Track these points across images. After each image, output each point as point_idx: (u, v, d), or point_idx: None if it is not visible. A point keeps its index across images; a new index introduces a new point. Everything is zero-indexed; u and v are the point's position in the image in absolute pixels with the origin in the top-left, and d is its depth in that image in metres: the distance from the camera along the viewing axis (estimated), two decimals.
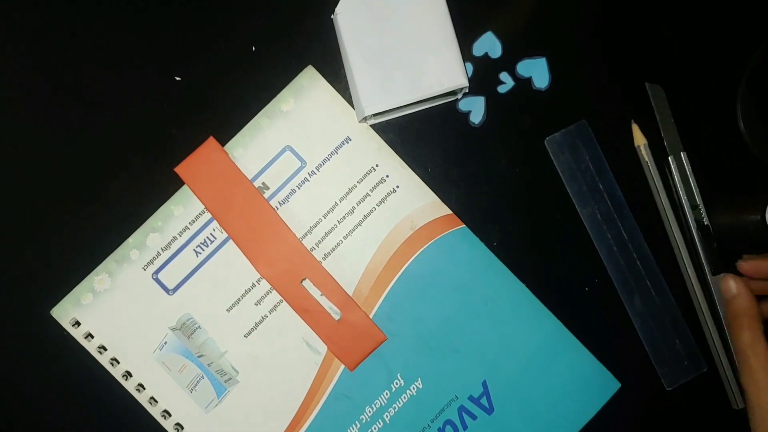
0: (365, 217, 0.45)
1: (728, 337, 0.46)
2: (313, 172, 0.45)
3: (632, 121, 0.47)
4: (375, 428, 0.45)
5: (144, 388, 0.44)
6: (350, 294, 0.45)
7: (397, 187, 0.45)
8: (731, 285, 0.45)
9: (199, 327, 0.44)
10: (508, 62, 0.47)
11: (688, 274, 0.47)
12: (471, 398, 0.45)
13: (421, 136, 0.46)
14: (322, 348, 0.45)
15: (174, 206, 0.44)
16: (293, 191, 0.45)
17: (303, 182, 0.45)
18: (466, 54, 0.46)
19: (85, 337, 0.44)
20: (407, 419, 0.45)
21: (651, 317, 0.47)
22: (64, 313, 0.43)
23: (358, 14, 0.42)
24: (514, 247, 0.47)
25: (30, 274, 0.44)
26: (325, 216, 0.45)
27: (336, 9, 0.42)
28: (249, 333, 0.44)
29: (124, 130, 0.45)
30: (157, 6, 0.45)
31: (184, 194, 0.44)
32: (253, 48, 0.45)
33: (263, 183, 0.44)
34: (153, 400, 0.44)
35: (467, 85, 0.42)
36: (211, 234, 0.44)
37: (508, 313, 0.46)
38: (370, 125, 0.45)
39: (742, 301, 0.44)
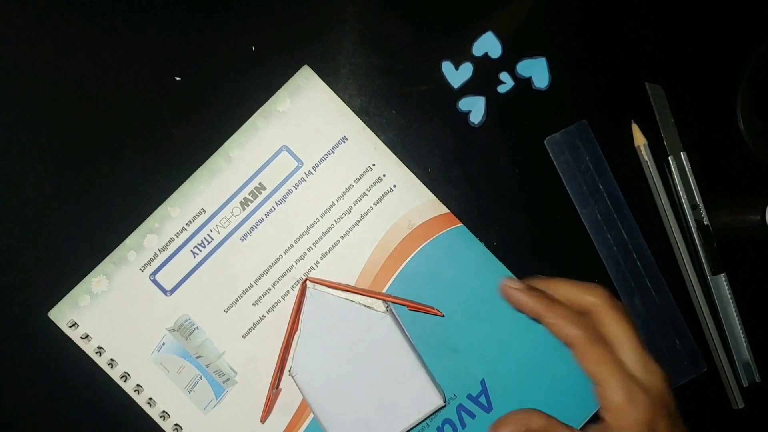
0: (362, 216, 0.45)
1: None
2: (309, 172, 0.45)
3: (632, 121, 0.47)
4: None
5: (142, 390, 0.44)
6: None
7: (394, 186, 0.45)
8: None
9: (197, 328, 0.44)
10: (508, 62, 0.47)
11: (688, 274, 0.47)
12: (470, 397, 0.45)
13: (420, 136, 0.46)
14: None
15: (171, 207, 0.44)
16: (290, 191, 0.45)
17: (300, 182, 0.45)
18: (467, 54, 0.46)
19: (83, 339, 0.44)
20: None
21: (651, 317, 0.47)
22: (61, 315, 0.43)
23: (315, 367, 0.41)
24: (514, 247, 0.46)
25: (27, 276, 0.44)
26: (322, 216, 0.45)
27: (291, 368, 0.42)
28: (247, 333, 0.44)
29: (122, 130, 0.44)
30: (157, 6, 0.45)
31: (181, 195, 0.44)
32: (253, 48, 0.45)
33: (260, 183, 0.44)
34: (151, 401, 0.44)
35: (444, 404, 0.42)
36: (208, 235, 0.44)
37: (506, 312, 0.46)
38: (367, 124, 0.45)
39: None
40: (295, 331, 0.42)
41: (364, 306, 0.42)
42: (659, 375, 0.36)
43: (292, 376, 0.42)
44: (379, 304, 0.42)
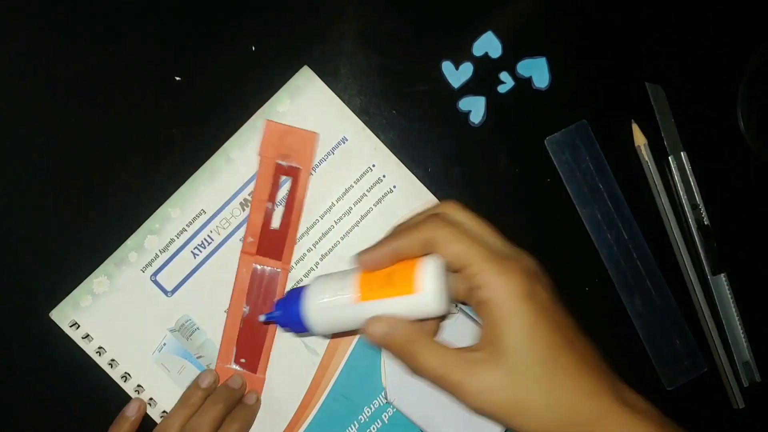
0: (362, 217, 0.45)
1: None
2: (309, 173, 0.45)
3: (632, 121, 0.47)
4: (374, 428, 0.45)
5: (143, 389, 0.44)
6: None
7: (394, 187, 0.45)
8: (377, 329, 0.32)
9: (198, 328, 0.44)
10: (508, 62, 0.47)
11: (688, 274, 0.47)
12: None
13: (421, 136, 0.46)
14: (321, 348, 0.45)
15: (171, 208, 0.44)
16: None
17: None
18: (467, 54, 0.46)
19: (84, 339, 0.44)
20: (406, 419, 0.45)
21: (651, 317, 0.47)
22: (63, 315, 0.43)
23: (409, 387, 0.41)
24: None
25: (29, 277, 0.44)
26: (322, 217, 0.45)
27: (388, 395, 0.42)
28: None
29: (122, 130, 0.45)
30: (157, 6, 0.45)
31: (181, 196, 0.44)
32: (253, 48, 0.45)
33: None
34: (152, 401, 0.44)
35: None
36: (208, 236, 0.44)
37: None
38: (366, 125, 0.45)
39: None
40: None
41: None
42: (530, 256, 0.31)
43: (391, 403, 0.41)
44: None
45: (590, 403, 0.30)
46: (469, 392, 0.30)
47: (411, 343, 0.31)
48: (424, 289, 0.29)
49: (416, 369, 0.31)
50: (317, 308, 0.33)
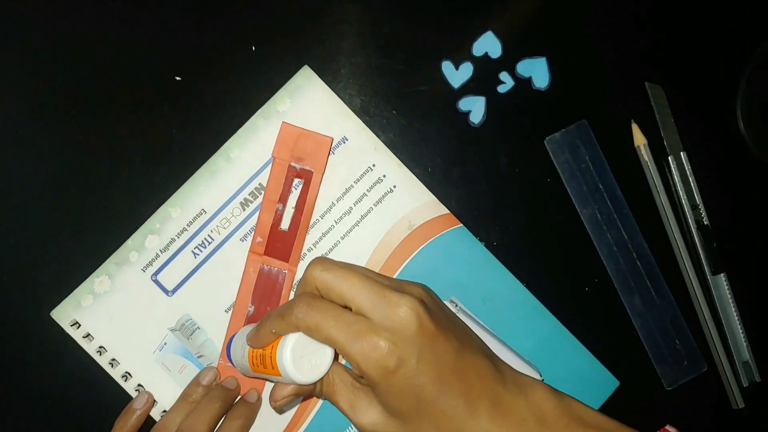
0: (362, 217, 0.45)
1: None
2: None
3: (632, 121, 0.47)
4: None
5: (143, 389, 0.44)
6: None
7: (395, 186, 0.45)
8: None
9: (199, 328, 0.44)
10: (508, 62, 0.47)
11: (688, 274, 0.47)
12: None
13: (421, 136, 0.46)
14: None
15: (171, 208, 0.44)
16: (290, 192, 0.45)
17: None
18: (467, 54, 0.46)
19: (85, 338, 0.44)
20: None
21: (651, 317, 0.47)
22: (64, 314, 0.44)
23: None
24: (514, 247, 0.46)
25: (30, 276, 0.44)
26: (322, 216, 0.45)
27: None
28: None
29: (123, 130, 0.45)
30: (157, 6, 0.45)
31: (181, 196, 0.44)
32: (253, 48, 0.45)
33: (260, 184, 0.44)
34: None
35: (541, 377, 0.41)
36: (208, 235, 0.44)
37: (506, 312, 0.46)
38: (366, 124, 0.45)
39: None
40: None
41: None
42: (405, 305, 0.32)
43: None
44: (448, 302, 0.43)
45: (465, 430, 0.33)
46: (356, 424, 0.35)
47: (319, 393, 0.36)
48: (285, 373, 0.34)
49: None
50: (234, 361, 0.41)
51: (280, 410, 0.38)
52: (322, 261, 0.35)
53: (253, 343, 0.36)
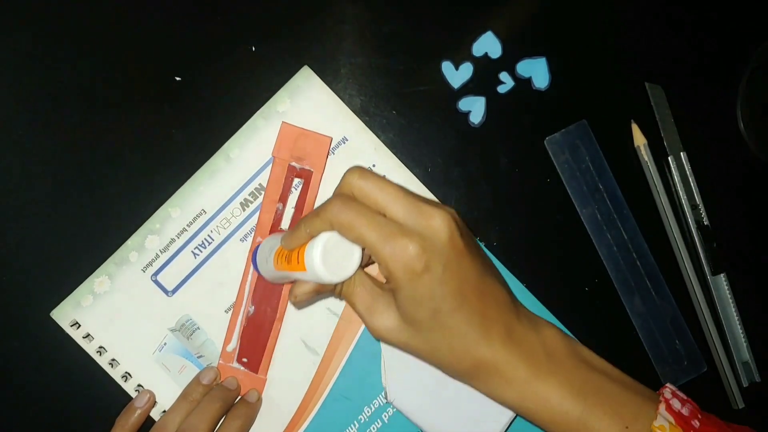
0: None
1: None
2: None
3: (632, 121, 0.47)
4: (374, 428, 0.45)
5: (143, 389, 0.44)
6: None
7: None
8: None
9: (199, 328, 0.44)
10: (508, 62, 0.47)
11: (688, 274, 0.47)
12: None
13: (421, 136, 0.46)
14: (321, 348, 0.45)
15: (171, 208, 0.44)
16: (290, 192, 0.45)
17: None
18: (467, 54, 0.46)
19: (84, 338, 0.44)
20: (406, 419, 0.45)
21: (651, 317, 0.47)
22: (63, 314, 0.44)
23: (409, 387, 0.42)
24: (514, 247, 0.46)
25: (30, 277, 0.44)
26: None
27: (388, 395, 0.42)
28: None
29: (123, 130, 0.45)
30: (157, 6, 0.45)
31: (181, 196, 0.44)
32: (253, 48, 0.45)
33: (260, 184, 0.44)
34: None
35: None
36: (208, 236, 0.44)
37: None
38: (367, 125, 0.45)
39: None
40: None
41: None
42: (438, 216, 0.33)
43: (391, 403, 0.42)
44: None
45: (478, 350, 0.34)
46: (370, 328, 0.35)
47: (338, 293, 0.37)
48: (312, 268, 0.34)
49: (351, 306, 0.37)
50: (259, 266, 0.40)
51: (299, 306, 0.39)
52: (360, 168, 0.35)
53: (286, 243, 0.36)
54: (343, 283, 0.36)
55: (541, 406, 0.34)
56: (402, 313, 0.34)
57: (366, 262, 0.36)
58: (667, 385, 0.37)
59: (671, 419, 0.34)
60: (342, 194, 0.35)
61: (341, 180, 0.35)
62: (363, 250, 0.34)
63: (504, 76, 0.47)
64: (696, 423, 0.35)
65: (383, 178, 0.35)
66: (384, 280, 0.36)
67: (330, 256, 0.33)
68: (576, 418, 0.34)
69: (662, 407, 0.35)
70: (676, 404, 0.35)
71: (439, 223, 0.33)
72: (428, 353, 0.35)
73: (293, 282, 0.37)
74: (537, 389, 0.34)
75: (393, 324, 0.35)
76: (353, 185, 0.34)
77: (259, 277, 0.43)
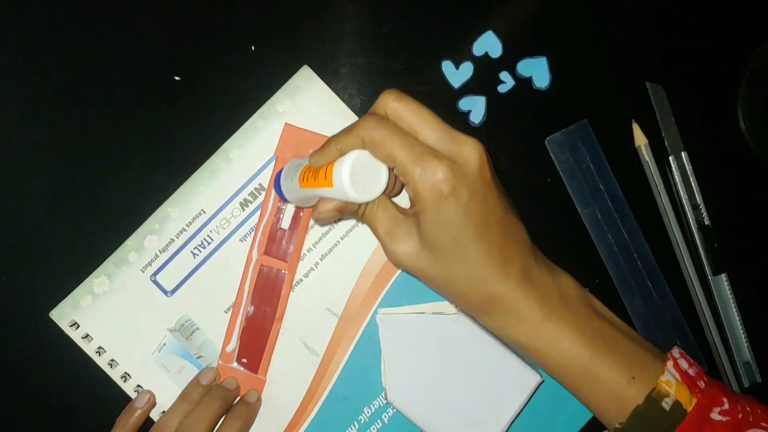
0: None
1: None
2: None
3: (633, 121, 0.47)
4: (374, 429, 0.45)
5: (142, 390, 0.44)
6: (348, 293, 0.45)
7: None
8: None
9: (198, 328, 0.44)
10: (508, 62, 0.47)
11: (689, 274, 0.47)
12: None
13: None
14: (320, 349, 0.45)
15: (171, 208, 0.44)
16: None
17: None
18: (467, 54, 0.46)
19: (84, 339, 0.44)
20: (406, 419, 0.45)
21: (652, 317, 0.47)
22: (63, 315, 0.43)
23: (409, 387, 0.42)
24: None
25: (29, 277, 0.44)
26: None
27: (388, 396, 0.42)
28: None
29: (123, 130, 0.45)
30: (157, 6, 0.45)
31: (181, 196, 0.44)
32: (253, 48, 0.45)
33: (259, 185, 0.44)
34: None
35: (542, 379, 0.41)
36: (208, 236, 0.44)
37: None
38: None
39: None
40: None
41: (435, 313, 0.42)
42: (470, 145, 0.33)
43: (391, 403, 0.42)
44: (448, 307, 0.42)
45: (494, 285, 0.34)
46: (389, 252, 0.35)
47: (359, 215, 0.36)
48: (340, 184, 0.33)
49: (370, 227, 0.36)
50: (283, 187, 0.39)
51: (323, 223, 0.39)
52: (395, 91, 0.34)
53: (314, 161, 0.35)
54: (366, 205, 0.36)
55: (551, 348, 0.34)
56: (423, 238, 0.34)
57: (391, 189, 0.36)
58: (676, 347, 0.37)
59: (678, 376, 0.34)
60: (376, 113, 0.34)
61: (377, 101, 0.35)
62: (391, 171, 0.34)
63: (504, 75, 0.47)
64: (701, 384, 0.35)
65: (418, 102, 0.34)
66: (408, 207, 0.35)
67: (358, 174, 0.33)
68: (584, 364, 0.34)
69: (670, 364, 0.35)
70: (683, 364, 0.35)
71: (471, 152, 0.33)
72: (444, 282, 0.35)
73: (314, 207, 0.36)
74: (549, 330, 0.34)
75: (412, 250, 0.34)
76: (388, 106, 0.34)
77: (259, 276, 0.43)
